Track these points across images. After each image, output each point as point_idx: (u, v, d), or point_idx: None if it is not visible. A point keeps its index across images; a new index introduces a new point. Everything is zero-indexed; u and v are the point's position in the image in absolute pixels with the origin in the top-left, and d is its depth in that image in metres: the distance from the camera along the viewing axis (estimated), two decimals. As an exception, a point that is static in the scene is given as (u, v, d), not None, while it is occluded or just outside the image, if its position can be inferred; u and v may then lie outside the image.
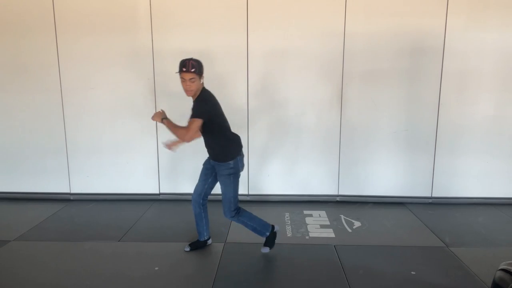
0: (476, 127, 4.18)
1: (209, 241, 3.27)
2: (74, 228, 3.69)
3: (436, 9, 3.97)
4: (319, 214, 3.99)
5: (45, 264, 2.97)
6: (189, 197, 4.44)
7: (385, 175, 4.32)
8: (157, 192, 4.46)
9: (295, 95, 4.19)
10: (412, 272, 2.83)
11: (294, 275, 2.81)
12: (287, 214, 3.99)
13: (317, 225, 3.71)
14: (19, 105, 4.30)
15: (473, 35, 4.00)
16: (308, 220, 3.84)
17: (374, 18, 4.00)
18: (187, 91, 2.74)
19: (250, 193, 4.41)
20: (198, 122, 2.70)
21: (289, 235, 3.51)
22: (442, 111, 4.15)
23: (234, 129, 4.22)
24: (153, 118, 2.88)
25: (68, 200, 4.46)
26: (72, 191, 4.47)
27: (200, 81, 2.76)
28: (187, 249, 3.18)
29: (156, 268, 2.88)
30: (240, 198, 4.39)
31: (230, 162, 2.85)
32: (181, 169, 4.38)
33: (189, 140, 2.76)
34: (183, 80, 2.71)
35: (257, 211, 4.15)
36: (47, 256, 3.11)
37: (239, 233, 3.52)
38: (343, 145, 4.26)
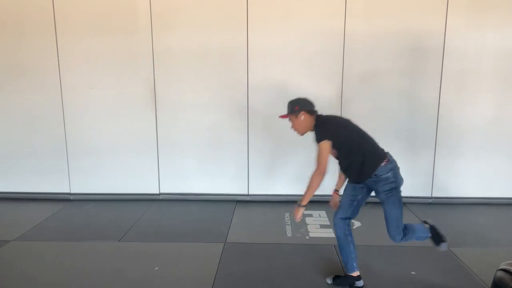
0: (476, 127, 4.18)
1: (359, 283, 2.60)
2: (74, 228, 3.69)
3: (436, 9, 3.96)
4: (319, 214, 3.98)
5: (45, 264, 2.97)
6: (189, 197, 4.50)
7: (385, 175, 4.31)
8: (157, 192, 4.46)
9: (295, 95, 4.15)
10: (412, 272, 2.83)
11: (294, 275, 2.81)
12: (287, 214, 3.99)
13: (317, 225, 3.71)
14: (19, 105, 4.30)
15: (473, 35, 4.00)
16: (308, 220, 3.84)
17: (374, 18, 4.00)
18: (297, 132, 2.66)
19: (250, 193, 4.41)
20: (325, 144, 2.47)
21: (289, 235, 3.51)
22: (442, 111, 4.15)
23: (235, 127, 4.24)
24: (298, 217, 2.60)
25: (68, 200, 4.45)
26: (72, 191, 4.47)
27: (301, 117, 2.59)
28: (329, 281, 2.68)
29: (156, 268, 2.88)
30: (240, 198, 4.43)
31: (389, 175, 2.50)
32: (181, 169, 4.37)
33: (325, 168, 2.47)
34: None
35: (257, 211, 4.18)
36: (47, 256, 3.11)
37: (239, 233, 3.52)
38: (343, 145, 4.25)
